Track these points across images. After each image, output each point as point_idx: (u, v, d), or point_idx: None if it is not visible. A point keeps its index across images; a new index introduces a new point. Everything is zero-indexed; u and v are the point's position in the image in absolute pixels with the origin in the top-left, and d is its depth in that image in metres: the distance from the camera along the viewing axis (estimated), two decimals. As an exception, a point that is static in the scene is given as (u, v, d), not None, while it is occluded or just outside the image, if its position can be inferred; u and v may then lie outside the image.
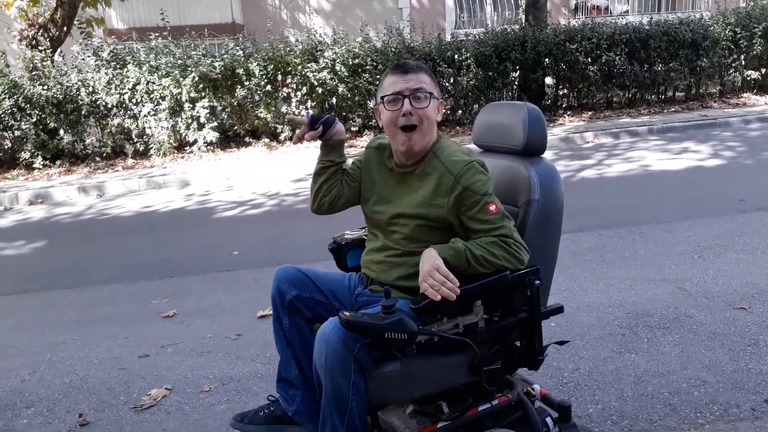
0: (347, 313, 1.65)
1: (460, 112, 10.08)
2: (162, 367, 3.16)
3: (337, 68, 9.34)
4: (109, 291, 4.38)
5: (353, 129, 9.62)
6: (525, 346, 1.94)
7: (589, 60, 9.93)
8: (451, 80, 9.83)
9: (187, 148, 9.41)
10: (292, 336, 2.03)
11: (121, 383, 3.03)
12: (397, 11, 14.57)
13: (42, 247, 5.73)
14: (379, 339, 1.63)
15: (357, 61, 9.45)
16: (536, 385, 2.13)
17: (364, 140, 9.21)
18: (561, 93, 10.86)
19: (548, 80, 10.70)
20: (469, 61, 9.67)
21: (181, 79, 8.98)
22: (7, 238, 6.07)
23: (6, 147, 9.20)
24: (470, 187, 1.80)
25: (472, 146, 2.27)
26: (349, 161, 2.15)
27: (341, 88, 9.37)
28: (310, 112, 1.87)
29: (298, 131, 2.04)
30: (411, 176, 1.94)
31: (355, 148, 8.66)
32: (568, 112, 10.34)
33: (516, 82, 10.38)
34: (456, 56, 9.73)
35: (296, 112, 9.38)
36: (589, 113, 10.26)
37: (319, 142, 2.08)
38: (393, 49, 9.73)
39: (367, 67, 9.44)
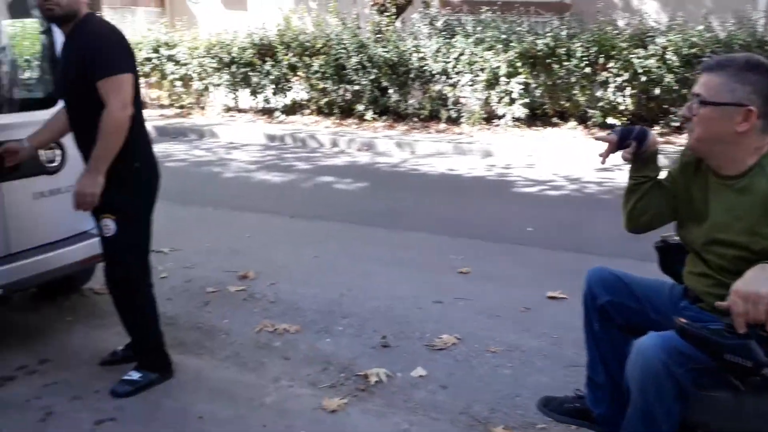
0: (684, 320, 1.53)
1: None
2: (453, 318, 3.42)
3: (668, 56, 8.58)
4: (415, 238, 4.84)
5: (673, 124, 8.81)
6: None
7: None
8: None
9: (495, 120, 9.71)
10: (602, 342, 1.98)
11: (417, 320, 3.38)
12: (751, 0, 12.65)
13: (364, 188, 6.58)
14: (715, 358, 1.48)
15: (693, 51, 8.55)
16: None
17: (683, 139, 8.33)
18: None
19: None
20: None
21: (502, 53, 9.24)
22: (339, 174, 7.11)
23: (347, 98, 10.63)
24: None
25: None
26: (663, 172, 1.98)
27: (668, 78, 8.61)
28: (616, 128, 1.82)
29: (605, 150, 1.95)
30: (730, 191, 1.70)
31: (673, 146, 7.93)
32: None
33: None
34: (824, 56, 8.14)
35: (612, 101, 8.94)
36: None
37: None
38: (740, 42, 8.53)
39: (704, 58, 8.46)
